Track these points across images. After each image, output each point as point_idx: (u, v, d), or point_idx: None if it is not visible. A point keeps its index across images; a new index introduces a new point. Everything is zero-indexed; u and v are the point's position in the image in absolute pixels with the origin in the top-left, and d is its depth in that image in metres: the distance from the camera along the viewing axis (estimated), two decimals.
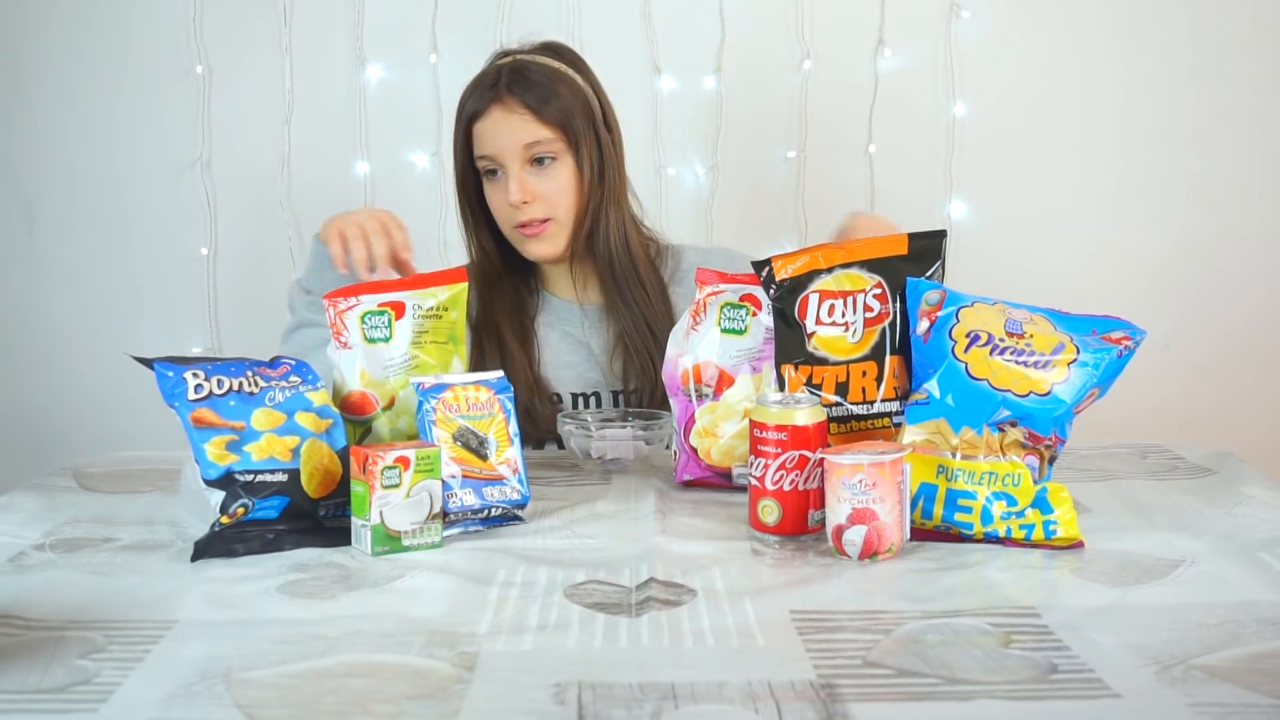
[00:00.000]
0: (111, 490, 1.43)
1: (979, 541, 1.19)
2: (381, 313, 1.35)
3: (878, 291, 1.33)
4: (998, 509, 1.18)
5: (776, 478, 1.21)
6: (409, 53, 2.50)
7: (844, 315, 1.33)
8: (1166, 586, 1.08)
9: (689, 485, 1.42)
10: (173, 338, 2.52)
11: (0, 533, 1.25)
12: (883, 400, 1.32)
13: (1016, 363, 1.24)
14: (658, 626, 1.00)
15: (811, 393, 1.31)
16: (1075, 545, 1.18)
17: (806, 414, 1.22)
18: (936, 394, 1.25)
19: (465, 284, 1.40)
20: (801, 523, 1.22)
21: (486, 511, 1.26)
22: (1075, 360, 1.24)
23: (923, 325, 1.29)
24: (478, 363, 1.67)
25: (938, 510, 1.20)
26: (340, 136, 2.52)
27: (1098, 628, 0.98)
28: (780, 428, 1.21)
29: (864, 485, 1.14)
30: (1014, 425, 1.23)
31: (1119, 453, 1.58)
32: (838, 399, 1.32)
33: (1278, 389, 2.58)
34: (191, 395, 1.21)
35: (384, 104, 2.52)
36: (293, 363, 1.30)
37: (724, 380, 1.40)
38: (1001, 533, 1.18)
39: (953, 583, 1.10)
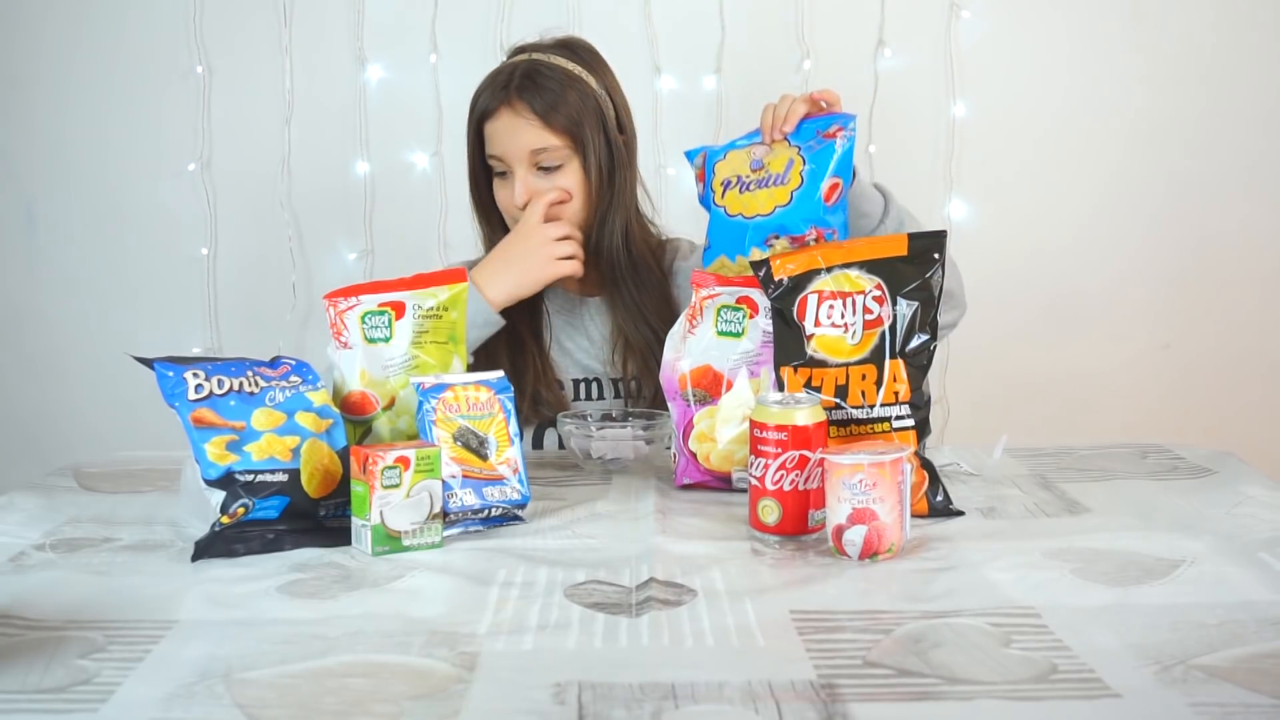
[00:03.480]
0: (111, 490, 1.43)
1: None
2: (381, 313, 1.35)
3: (876, 294, 1.32)
4: None
5: (776, 478, 1.21)
6: (409, 53, 2.50)
7: (843, 317, 1.32)
8: (1166, 586, 1.08)
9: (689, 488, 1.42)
10: (173, 338, 2.52)
11: (0, 533, 1.25)
12: (882, 405, 1.31)
13: (759, 188, 1.44)
14: (658, 626, 1.00)
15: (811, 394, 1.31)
16: None
17: (806, 414, 1.22)
18: (709, 243, 1.48)
19: (466, 284, 1.40)
20: (801, 523, 1.21)
21: (487, 511, 1.26)
22: (804, 168, 1.43)
23: (699, 187, 1.51)
24: (489, 347, 1.66)
25: None
26: (340, 136, 2.52)
27: (1098, 628, 0.98)
28: (780, 428, 1.21)
29: (864, 485, 1.14)
30: (777, 238, 1.42)
31: (1119, 453, 1.58)
32: (838, 401, 1.32)
33: (1277, 389, 2.58)
34: (192, 395, 1.21)
35: (384, 104, 2.52)
36: (293, 363, 1.30)
37: (722, 384, 1.39)
38: None
39: (953, 583, 1.10)
